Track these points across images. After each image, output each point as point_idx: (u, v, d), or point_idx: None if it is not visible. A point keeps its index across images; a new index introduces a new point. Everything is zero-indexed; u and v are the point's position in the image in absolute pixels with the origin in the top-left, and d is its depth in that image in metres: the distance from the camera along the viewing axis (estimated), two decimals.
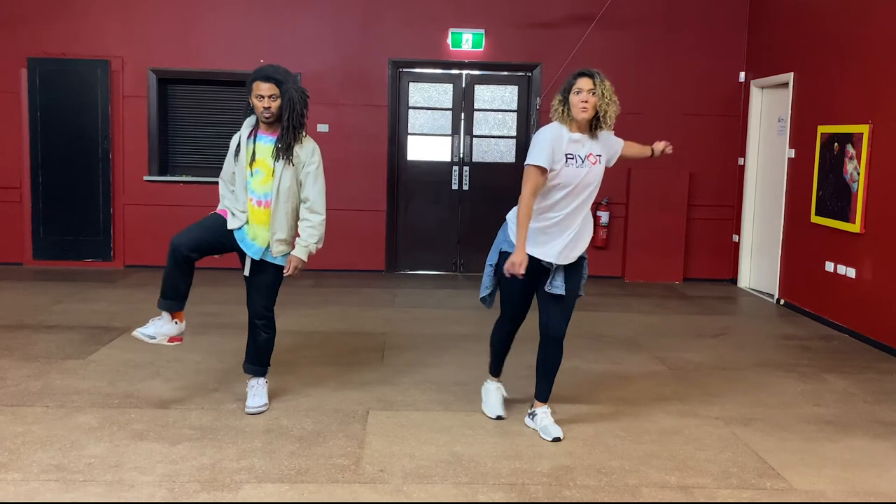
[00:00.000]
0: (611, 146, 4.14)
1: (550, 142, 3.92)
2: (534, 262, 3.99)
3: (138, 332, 4.27)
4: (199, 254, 4.22)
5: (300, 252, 4.26)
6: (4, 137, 8.60)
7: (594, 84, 3.89)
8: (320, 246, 4.33)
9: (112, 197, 8.68)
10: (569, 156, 3.95)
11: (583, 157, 3.97)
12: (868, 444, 4.21)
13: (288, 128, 4.12)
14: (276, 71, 4.14)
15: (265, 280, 4.30)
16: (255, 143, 4.20)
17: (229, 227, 4.24)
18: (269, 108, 4.11)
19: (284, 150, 4.14)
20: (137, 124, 8.68)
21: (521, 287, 4.08)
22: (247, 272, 4.29)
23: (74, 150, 8.58)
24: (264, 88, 4.09)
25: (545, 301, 4.11)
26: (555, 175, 3.94)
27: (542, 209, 3.99)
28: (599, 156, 4.03)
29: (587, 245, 4.14)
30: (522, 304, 4.22)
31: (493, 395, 4.46)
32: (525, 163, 3.97)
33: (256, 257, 4.23)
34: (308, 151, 4.22)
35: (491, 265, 4.20)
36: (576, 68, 4.11)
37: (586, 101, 3.90)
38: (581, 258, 4.14)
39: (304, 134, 4.22)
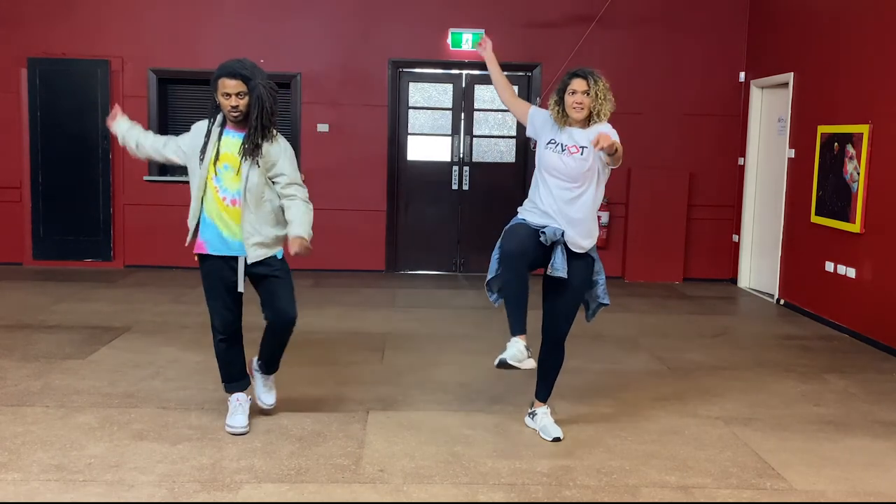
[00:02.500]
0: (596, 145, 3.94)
1: (544, 114, 4.12)
2: (535, 233, 3.97)
3: (234, 430, 4.06)
4: (237, 316, 4.13)
5: (301, 230, 3.94)
6: (4, 137, 8.60)
7: (588, 85, 3.93)
8: (310, 230, 4.01)
9: (112, 197, 8.68)
10: (551, 141, 4.02)
11: (564, 146, 3.97)
12: (868, 444, 4.21)
13: (257, 127, 3.88)
14: (243, 66, 3.87)
15: (281, 280, 4.02)
16: (220, 139, 3.96)
17: (210, 251, 4.00)
18: (237, 106, 3.86)
19: (251, 151, 3.90)
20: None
21: (523, 240, 3.93)
22: (241, 287, 3.99)
23: (74, 150, 8.57)
24: (231, 86, 3.83)
25: (548, 299, 4.11)
26: (538, 157, 4.07)
27: (534, 197, 4.06)
28: (584, 147, 3.93)
29: (594, 233, 4.04)
30: (523, 239, 3.93)
31: (511, 344, 3.97)
32: None
33: (243, 253, 3.96)
34: (279, 149, 4.00)
35: (497, 247, 4.09)
36: (575, 69, 4.11)
37: (581, 103, 3.94)
38: (590, 257, 4.07)
39: (274, 133, 4.00)
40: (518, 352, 3.90)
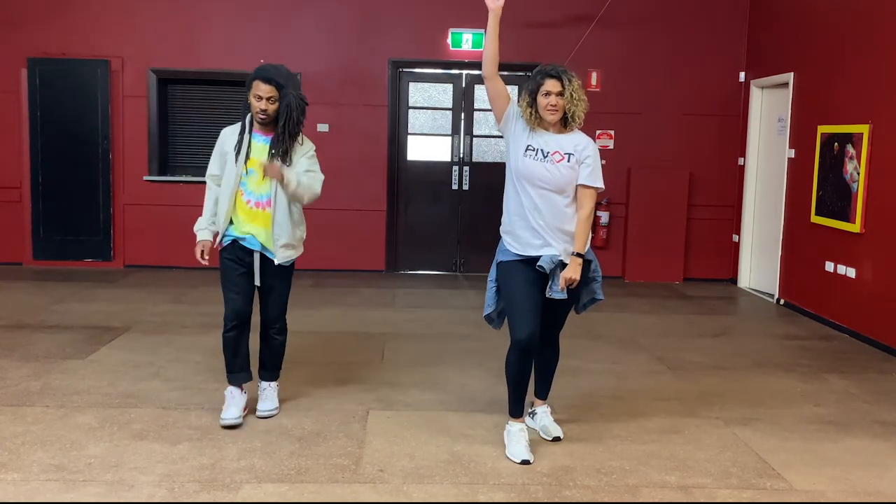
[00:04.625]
0: (584, 163, 3.83)
1: (517, 113, 3.88)
2: (531, 269, 3.83)
3: (226, 421, 4.15)
4: (249, 304, 4.22)
5: (288, 172, 4.04)
6: (4, 137, 8.60)
7: (562, 86, 3.76)
8: (299, 190, 4.08)
9: (112, 197, 8.68)
10: (529, 147, 3.82)
11: (546, 153, 3.80)
12: (868, 444, 4.21)
13: (283, 135, 4.02)
14: (279, 73, 4.03)
15: (279, 285, 4.22)
16: (250, 142, 4.10)
17: (224, 242, 4.15)
18: (266, 110, 4.01)
19: (278, 157, 4.04)
20: (137, 124, 8.68)
21: (525, 293, 3.82)
22: (258, 281, 4.16)
23: (74, 150, 8.57)
24: (264, 90, 3.99)
25: (545, 306, 4.07)
26: (514, 163, 3.85)
27: (513, 213, 3.88)
28: (569, 154, 3.81)
29: (572, 236, 3.83)
30: (529, 312, 3.80)
31: (515, 438, 3.92)
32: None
33: (270, 256, 4.14)
34: (304, 150, 4.16)
35: (491, 280, 4.00)
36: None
37: (555, 105, 3.77)
38: (586, 261, 3.90)
39: (301, 139, 4.14)
40: (526, 444, 3.87)
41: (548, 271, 3.80)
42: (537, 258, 3.81)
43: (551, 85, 3.77)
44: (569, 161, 3.82)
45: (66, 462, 3.67)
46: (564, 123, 3.87)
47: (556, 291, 3.81)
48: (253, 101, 4.02)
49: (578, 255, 3.82)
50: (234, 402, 4.23)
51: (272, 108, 4.01)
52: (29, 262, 8.69)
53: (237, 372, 4.27)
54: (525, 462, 3.80)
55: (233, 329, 4.21)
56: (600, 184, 3.87)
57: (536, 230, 3.82)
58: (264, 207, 4.10)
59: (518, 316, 3.82)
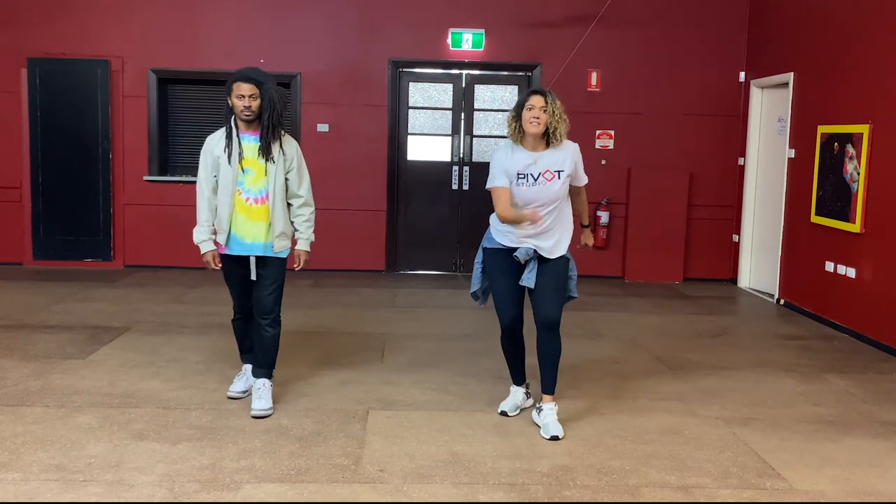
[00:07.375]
0: (577, 170, 4.26)
1: (503, 162, 4.18)
2: (511, 258, 4.22)
3: (230, 394, 4.63)
4: (251, 301, 4.51)
5: (305, 245, 4.49)
6: (4, 137, 8.60)
7: (546, 102, 4.12)
8: (312, 238, 4.55)
9: (112, 197, 8.68)
10: (520, 175, 4.15)
11: (535, 176, 4.14)
12: (868, 444, 4.21)
13: (268, 126, 4.26)
14: (256, 72, 4.31)
15: (272, 275, 4.41)
16: (240, 143, 4.32)
17: (227, 251, 4.39)
18: (250, 106, 4.24)
19: (266, 149, 4.28)
20: (137, 124, 8.68)
21: (505, 285, 4.29)
22: (254, 276, 4.39)
23: (74, 149, 8.58)
24: (245, 89, 4.23)
25: (533, 292, 4.23)
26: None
27: (499, 222, 4.28)
28: (560, 171, 4.16)
29: (564, 239, 4.24)
30: (509, 302, 4.31)
31: (511, 395, 4.55)
32: (487, 187, 4.24)
33: (269, 253, 4.37)
34: (293, 148, 4.42)
35: (478, 262, 4.44)
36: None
37: (538, 118, 4.10)
38: (563, 258, 4.25)
39: (283, 132, 4.37)
40: (517, 402, 4.49)
41: (523, 262, 4.19)
42: (515, 249, 4.21)
43: (535, 100, 4.13)
44: (560, 178, 4.18)
45: (66, 462, 3.68)
46: (548, 143, 4.20)
47: (527, 279, 4.19)
48: (235, 101, 4.26)
49: (586, 226, 4.58)
50: (241, 378, 4.65)
51: (255, 104, 4.25)
52: (29, 262, 8.70)
53: (247, 352, 4.66)
54: (503, 413, 4.43)
55: (238, 319, 4.63)
56: (580, 158, 4.31)
57: (519, 238, 4.19)
58: (262, 202, 4.34)
59: (500, 306, 4.35)
